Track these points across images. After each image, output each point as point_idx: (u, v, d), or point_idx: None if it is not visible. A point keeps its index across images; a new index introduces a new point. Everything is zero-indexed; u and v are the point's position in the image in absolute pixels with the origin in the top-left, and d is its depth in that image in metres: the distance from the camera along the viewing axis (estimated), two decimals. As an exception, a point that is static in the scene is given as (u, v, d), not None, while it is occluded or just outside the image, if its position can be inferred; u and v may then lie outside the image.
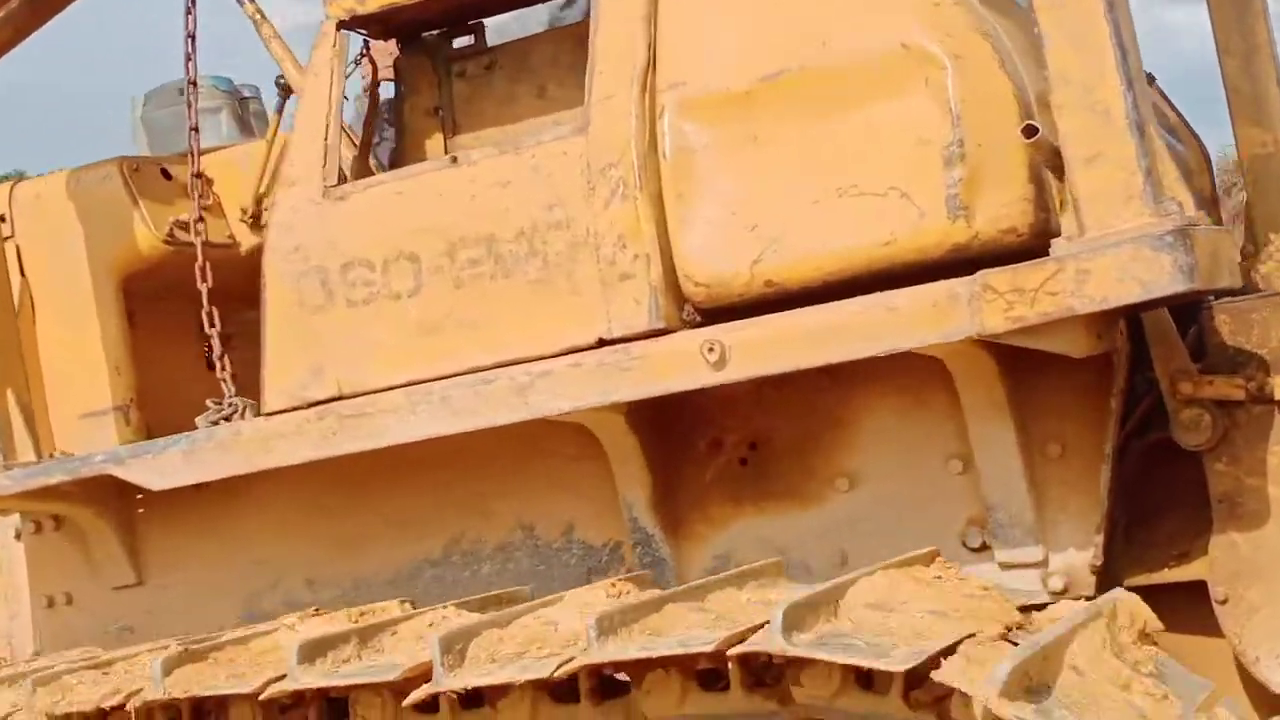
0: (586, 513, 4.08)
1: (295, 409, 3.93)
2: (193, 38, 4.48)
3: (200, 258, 4.39)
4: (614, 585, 3.44)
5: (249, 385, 5.35)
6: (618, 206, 3.62)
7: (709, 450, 3.95)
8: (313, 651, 3.25)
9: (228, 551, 4.53)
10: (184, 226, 4.97)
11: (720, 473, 3.94)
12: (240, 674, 3.38)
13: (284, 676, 3.30)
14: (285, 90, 5.07)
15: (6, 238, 4.91)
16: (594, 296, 3.66)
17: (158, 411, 4.93)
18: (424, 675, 3.17)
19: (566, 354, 3.67)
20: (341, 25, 4.11)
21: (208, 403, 4.20)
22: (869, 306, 3.38)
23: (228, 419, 4.10)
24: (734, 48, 3.61)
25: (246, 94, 5.56)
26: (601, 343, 3.66)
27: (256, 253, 5.15)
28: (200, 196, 5.11)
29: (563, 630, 3.14)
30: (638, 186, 3.61)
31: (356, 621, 3.60)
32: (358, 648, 3.28)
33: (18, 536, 4.88)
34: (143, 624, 4.59)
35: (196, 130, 4.60)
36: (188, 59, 4.54)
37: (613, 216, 3.63)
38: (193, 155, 4.58)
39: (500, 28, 4.46)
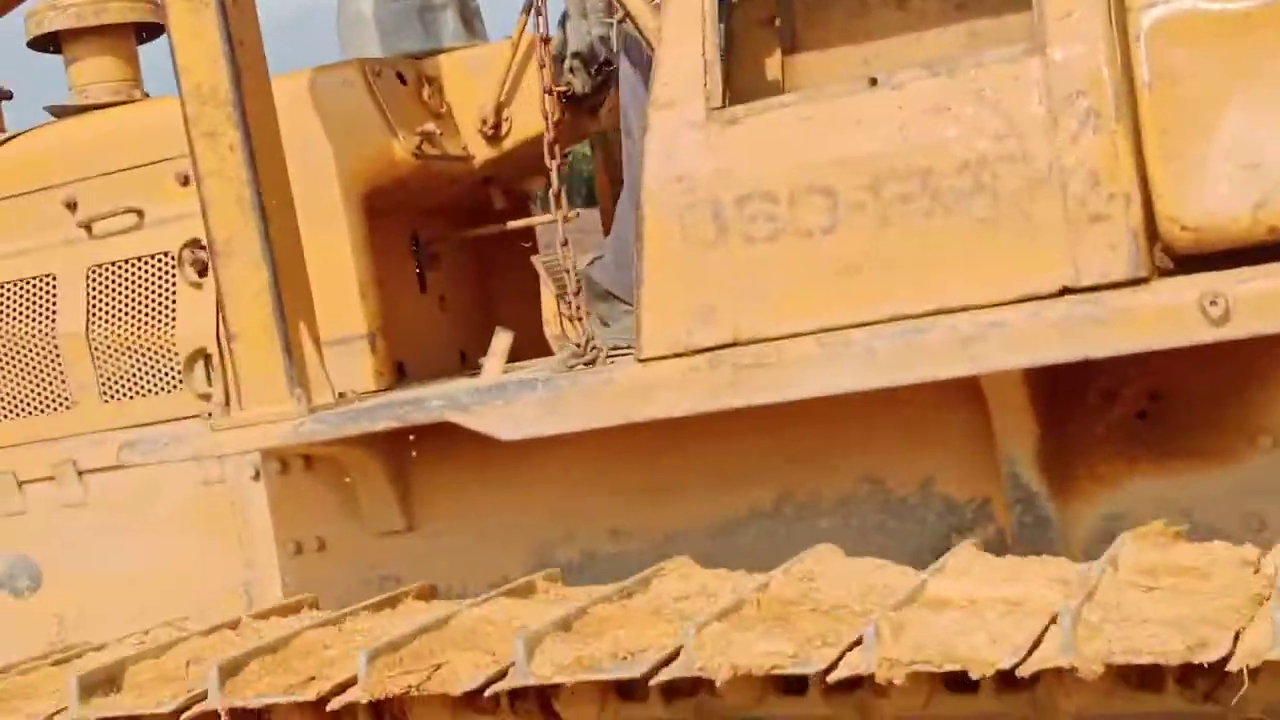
0: (949, 465, 3.76)
1: (678, 355, 3.54)
2: None
3: (555, 183, 3.94)
4: None
5: (461, 313, 4.97)
6: (1089, 140, 3.25)
7: (1102, 401, 3.63)
8: None
9: (515, 497, 4.17)
10: (429, 138, 4.54)
11: (1114, 426, 3.63)
12: None
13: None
14: None
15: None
16: (1056, 239, 3.28)
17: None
18: None
19: (1020, 302, 3.31)
20: None
21: (563, 343, 3.76)
22: None
23: (590, 363, 3.67)
24: None
25: (461, -12, 5.07)
26: (1065, 291, 3.30)
27: (485, 167, 4.76)
28: (439, 107, 4.69)
29: None
30: (1113, 118, 3.24)
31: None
32: None
33: (256, 477, 4.46)
34: (410, 574, 4.21)
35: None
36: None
37: (1082, 151, 3.25)
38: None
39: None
